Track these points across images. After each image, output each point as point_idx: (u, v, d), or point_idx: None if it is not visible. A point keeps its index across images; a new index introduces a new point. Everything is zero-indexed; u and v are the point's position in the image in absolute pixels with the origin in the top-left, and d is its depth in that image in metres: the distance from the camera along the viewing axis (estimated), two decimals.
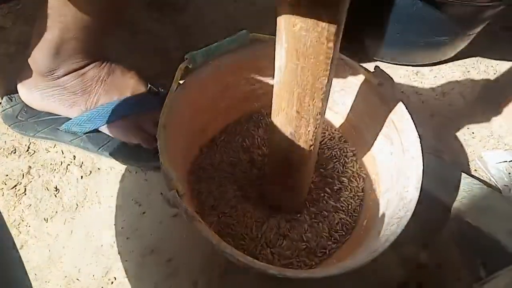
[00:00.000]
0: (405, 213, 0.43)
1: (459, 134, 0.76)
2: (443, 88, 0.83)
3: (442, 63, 0.86)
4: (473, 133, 0.76)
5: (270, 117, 0.44)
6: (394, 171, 0.50)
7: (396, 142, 0.51)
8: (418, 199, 0.45)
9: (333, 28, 0.32)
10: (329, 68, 0.35)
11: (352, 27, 0.54)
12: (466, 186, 0.62)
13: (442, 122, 0.77)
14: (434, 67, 0.86)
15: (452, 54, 0.84)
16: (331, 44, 0.33)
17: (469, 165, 0.71)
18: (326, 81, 0.36)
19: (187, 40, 0.80)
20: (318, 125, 0.41)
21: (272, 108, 0.42)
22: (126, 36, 0.79)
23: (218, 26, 0.83)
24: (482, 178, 0.69)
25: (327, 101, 0.41)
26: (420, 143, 0.50)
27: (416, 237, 0.64)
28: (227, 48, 0.54)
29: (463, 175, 0.63)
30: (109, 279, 0.56)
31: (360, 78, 0.54)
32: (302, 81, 0.36)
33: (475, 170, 0.71)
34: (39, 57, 0.59)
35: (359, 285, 0.57)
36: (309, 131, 0.41)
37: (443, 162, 0.71)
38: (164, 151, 0.44)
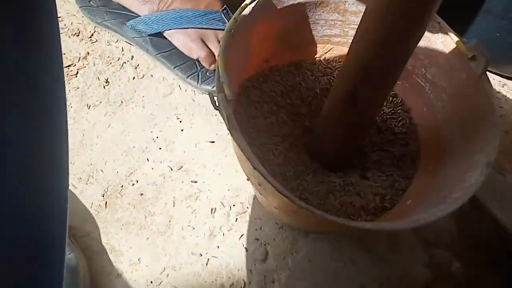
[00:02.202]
0: (462, 195, 0.38)
1: None
2: None
3: None
4: None
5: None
6: (459, 153, 0.45)
7: (471, 126, 0.45)
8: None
9: None
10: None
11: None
12: None
13: None
14: None
15: None
16: None
17: None
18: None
19: None
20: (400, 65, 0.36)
21: (355, 34, 0.38)
22: None
23: None
24: None
25: (416, 45, 0.36)
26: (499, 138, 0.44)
27: (454, 246, 0.59)
28: None
29: None
30: (131, 180, 0.55)
31: (450, 47, 0.48)
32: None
33: None
34: None
35: (382, 274, 0.53)
36: (384, 66, 0.37)
37: (505, 180, 0.64)
38: (223, 54, 0.41)
